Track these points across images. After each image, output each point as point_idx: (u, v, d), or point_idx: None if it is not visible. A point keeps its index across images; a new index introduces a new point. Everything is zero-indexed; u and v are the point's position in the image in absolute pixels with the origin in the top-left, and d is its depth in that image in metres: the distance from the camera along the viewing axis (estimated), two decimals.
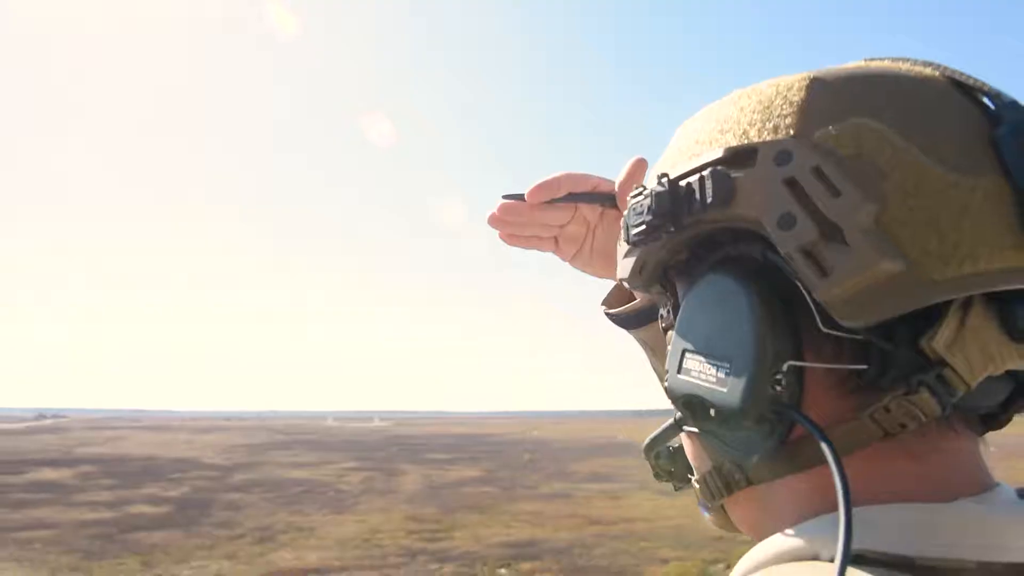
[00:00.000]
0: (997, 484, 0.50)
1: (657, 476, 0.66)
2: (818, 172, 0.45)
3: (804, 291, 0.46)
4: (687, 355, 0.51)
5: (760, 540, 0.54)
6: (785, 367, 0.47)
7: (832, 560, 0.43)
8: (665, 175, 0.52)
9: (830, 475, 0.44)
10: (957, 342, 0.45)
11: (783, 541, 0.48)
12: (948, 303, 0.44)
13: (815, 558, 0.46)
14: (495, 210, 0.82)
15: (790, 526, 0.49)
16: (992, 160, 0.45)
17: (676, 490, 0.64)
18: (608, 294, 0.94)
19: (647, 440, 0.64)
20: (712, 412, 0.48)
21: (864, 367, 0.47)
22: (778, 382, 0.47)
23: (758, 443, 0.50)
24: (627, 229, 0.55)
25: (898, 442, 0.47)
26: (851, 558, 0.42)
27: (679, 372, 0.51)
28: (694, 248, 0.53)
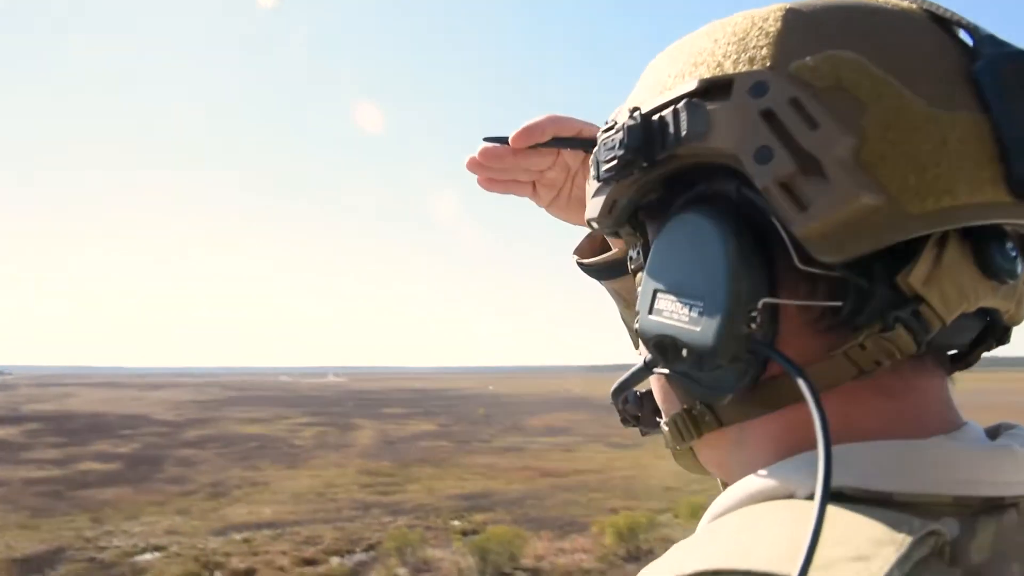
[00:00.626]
0: (966, 423, 0.51)
1: (624, 422, 0.65)
2: (796, 104, 0.44)
3: (780, 227, 0.45)
4: (659, 295, 0.51)
5: (731, 481, 0.54)
6: (760, 305, 0.46)
7: (808, 498, 0.43)
8: (637, 109, 0.51)
9: (803, 415, 0.44)
10: (933, 278, 0.45)
11: (756, 481, 0.48)
12: (924, 239, 0.44)
13: (790, 497, 0.45)
14: (475, 154, 0.78)
15: (763, 467, 0.49)
16: (970, 95, 0.44)
17: (643, 435, 0.65)
18: (580, 243, 0.92)
19: (615, 385, 0.63)
20: (684, 352, 0.48)
21: (839, 304, 0.47)
22: (753, 320, 0.46)
23: (731, 383, 0.49)
24: (597, 165, 0.54)
25: (872, 380, 0.47)
26: (830, 495, 0.42)
27: (650, 313, 0.51)
28: (666, 186, 0.52)
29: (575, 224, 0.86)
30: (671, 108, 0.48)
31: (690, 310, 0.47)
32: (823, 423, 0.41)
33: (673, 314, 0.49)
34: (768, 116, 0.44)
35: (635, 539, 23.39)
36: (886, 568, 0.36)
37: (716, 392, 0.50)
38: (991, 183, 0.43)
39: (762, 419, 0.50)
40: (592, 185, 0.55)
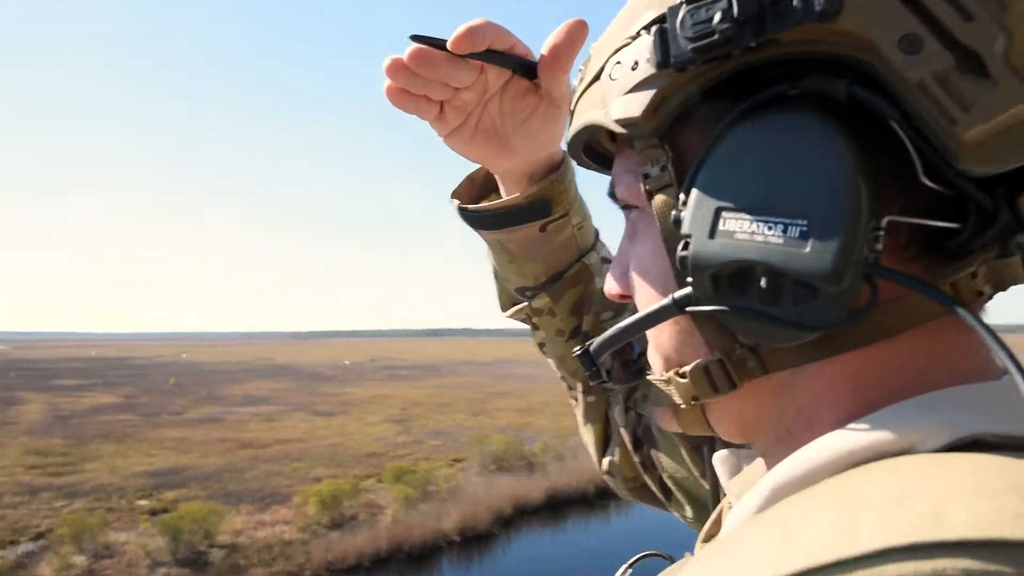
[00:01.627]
0: None
1: (593, 377, 0.58)
2: None
3: (904, 134, 0.40)
4: (725, 215, 0.43)
5: (755, 440, 0.51)
6: (884, 223, 0.40)
7: (942, 450, 0.39)
8: None
9: (877, 357, 0.42)
10: None
11: (854, 437, 0.41)
12: None
13: (905, 452, 0.40)
14: (402, 55, 0.64)
15: (828, 418, 0.45)
16: None
17: (606, 393, 0.59)
18: (459, 187, 0.84)
19: (604, 338, 0.54)
20: (765, 281, 0.42)
21: (958, 227, 0.42)
22: (877, 240, 0.40)
23: (825, 317, 0.41)
24: (665, 45, 0.44)
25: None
26: (969, 444, 0.38)
27: (712, 236, 0.43)
28: (733, 83, 0.44)
29: (473, 159, 0.78)
30: None
31: (785, 231, 0.40)
32: (1012, 357, 0.37)
33: (755, 236, 0.41)
34: (909, 1, 0.38)
35: (339, 506, 23.51)
36: None
37: (798, 330, 0.42)
38: None
39: (820, 364, 0.45)
40: (633, 76, 0.47)
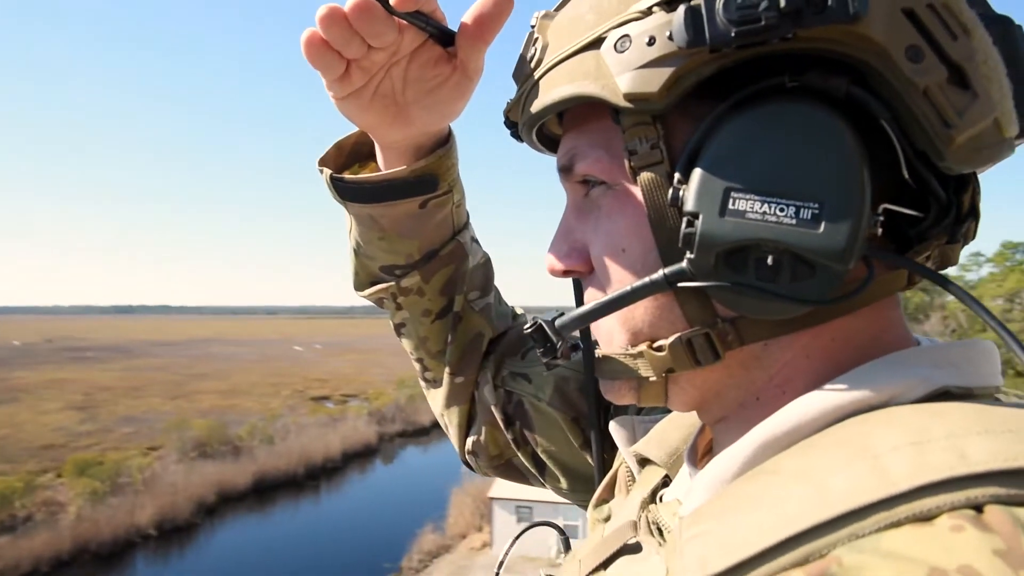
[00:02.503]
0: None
1: (547, 354, 0.58)
2: (933, 9, 0.44)
3: (893, 132, 0.45)
4: (735, 195, 0.45)
5: (708, 409, 0.55)
6: (881, 210, 0.45)
7: (921, 400, 0.44)
8: None
9: (847, 326, 0.48)
10: (978, 198, 0.50)
11: (835, 396, 0.46)
12: None
13: (885, 405, 0.45)
14: (344, 5, 0.60)
15: (801, 382, 0.49)
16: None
17: (550, 369, 0.59)
18: (325, 154, 0.81)
19: (578, 314, 0.54)
20: (776, 260, 0.45)
21: (921, 216, 0.48)
22: (875, 225, 0.45)
23: (816, 293, 0.45)
24: (699, 24, 0.45)
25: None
26: (939, 396, 0.45)
27: (723, 215, 0.46)
28: (746, 70, 0.47)
29: (364, 126, 0.73)
30: None
31: (797, 212, 0.44)
32: (994, 322, 0.44)
33: (768, 216, 0.44)
34: (911, 15, 0.43)
35: (9, 507, 20.71)
36: None
37: (795, 304, 0.46)
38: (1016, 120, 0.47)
39: (793, 335, 0.50)
40: (642, 52, 0.47)
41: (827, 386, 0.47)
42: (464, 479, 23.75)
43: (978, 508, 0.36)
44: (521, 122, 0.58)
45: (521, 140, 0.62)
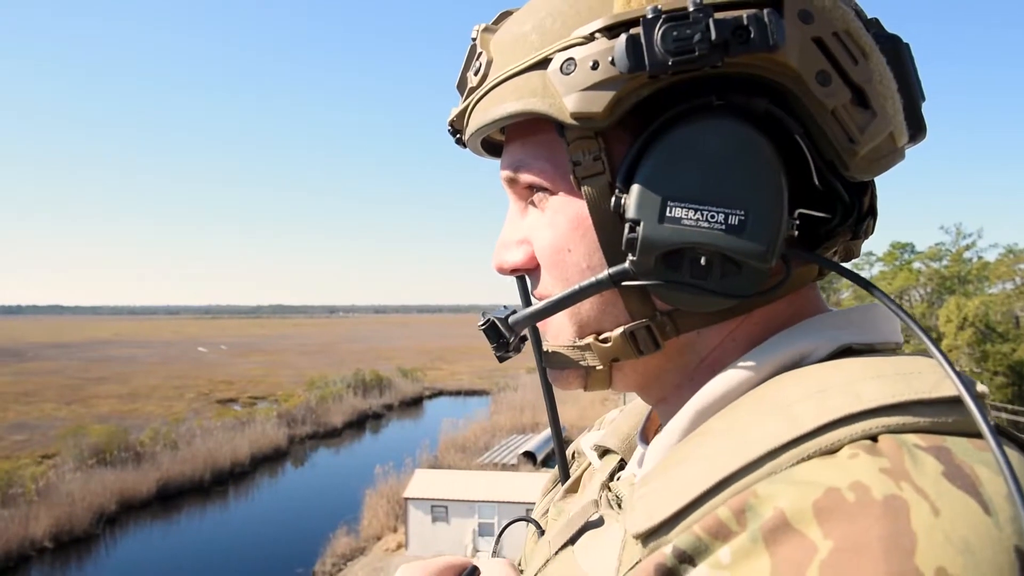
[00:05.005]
0: None
1: (501, 348, 0.62)
2: (838, 37, 0.49)
3: (806, 146, 0.51)
4: (671, 204, 0.51)
5: (649, 391, 0.62)
6: (797, 214, 0.52)
7: (828, 358, 0.52)
8: (710, 3, 0.49)
9: (767, 312, 0.56)
10: (875, 200, 0.58)
11: (753, 362, 0.54)
12: None
13: (799, 364, 0.52)
14: None
15: (732, 361, 0.55)
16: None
17: (502, 361, 0.64)
18: None
19: (532, 311, 0.59)
20: (704, 260, 0.51)
21: (829, 216, 0.55)
22: (792, 228, 0.51)
23: (743, 288, 0.52)
24: (639, 52, 0.49)
25: None
26: (843, 352, 0.52)
27: (661, 221, 0.51)
28: (678, 92, 0.52)
29: None
30: (746, 12, 0.48)
31: (726, 218, 0.50)
32: (907, 314, 0.50)
33: (700, 223, 0.50)
34: (819, 43, 0.49)
35: None
36: (946, 370, 0.44)
37: (724, 298, 0.52)
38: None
39: (722, 324, 0.57)
40: (586, 75, 0.51)
41: (746, 356, 0.54)
42: (377, 480, 23.56)
43: (873, 439, 0.43)
44: (467, 131, 0.62)
45: (464, 146, 0.67)
